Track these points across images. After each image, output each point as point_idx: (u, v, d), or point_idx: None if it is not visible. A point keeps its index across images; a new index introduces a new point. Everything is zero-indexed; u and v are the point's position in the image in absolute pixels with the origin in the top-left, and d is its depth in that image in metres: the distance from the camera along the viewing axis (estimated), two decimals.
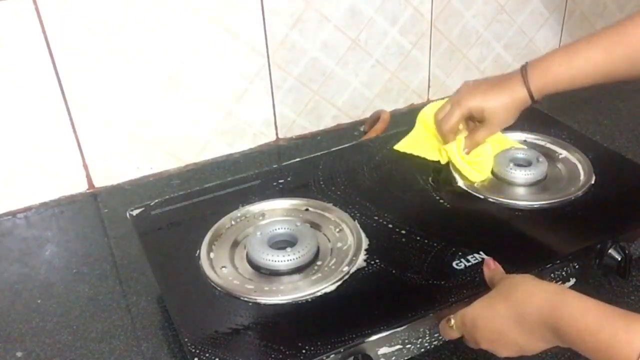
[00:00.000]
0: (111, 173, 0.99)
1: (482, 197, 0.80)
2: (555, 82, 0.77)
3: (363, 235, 0.73)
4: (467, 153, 0.84)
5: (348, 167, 0.88)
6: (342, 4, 1.04)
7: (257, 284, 0.68)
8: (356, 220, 0.76)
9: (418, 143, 0.91)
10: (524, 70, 0.78)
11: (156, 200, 0.82)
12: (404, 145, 0.91)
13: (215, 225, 0.76)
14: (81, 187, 0.98)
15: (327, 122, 1.14)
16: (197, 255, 0.72)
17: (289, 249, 0.70)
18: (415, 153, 0.90)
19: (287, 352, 0.59)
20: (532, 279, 0.58)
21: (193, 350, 0.59)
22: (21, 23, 0.84)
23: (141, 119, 0.98)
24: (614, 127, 1.10)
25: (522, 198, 0.80)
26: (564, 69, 0.76)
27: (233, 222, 0.78)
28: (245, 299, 0.65)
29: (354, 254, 0.71)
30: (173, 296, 0.68)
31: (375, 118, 1.10)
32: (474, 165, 0.83)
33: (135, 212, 0.80)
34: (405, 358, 0.64)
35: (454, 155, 0.84)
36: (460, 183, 0.83)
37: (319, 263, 0.71)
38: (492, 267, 0.64)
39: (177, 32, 0.94)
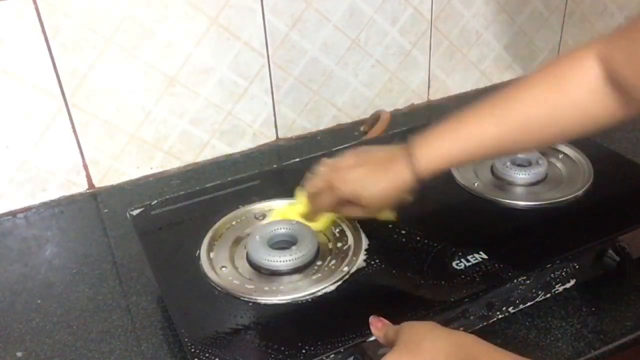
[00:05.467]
0: (111, 173, 0.99)
1: (482, 197, 0.80)
2: (444, 159, 0.67)
3: (363, 235, 0.73)
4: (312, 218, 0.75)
5: None
6: (342, 4, 1.04)
7: (257, 284, 0.68)
8: (356, 220, 0.76)
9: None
10: (409, 149, 0.68)
11: (156, 200, 0.82)
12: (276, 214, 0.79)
13: (215, 225, 0.76)
14: (81, 187, 0.98)
15: (327, 122, 1.14)
16: (197, 255, 0.72)
17: (289, 249, 0.70)
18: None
19: (287, 352, 0.59)
20: (436, 327, 0.55)
21: (193, 350, 0.59)
22: (21, 23, 0.84)
23: (141, 119, 0.98)
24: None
25: (522, 198, 0.80)
26: (453, 145, 0.66)
27: (233, 222, 0.78)
28: (245, 299, 0.65)
29: (354, 254, 0.71)
30: (173, 296, 0.68)
31: (375, 118, 1.10)
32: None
33: (135, 212, 0.80)
34: None
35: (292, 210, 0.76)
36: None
37: (319, 263, 0.71)
38: (379, 326, 0.59)
39: (177, 32, 0.94)
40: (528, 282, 0.67)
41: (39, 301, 0.77)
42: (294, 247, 0.70)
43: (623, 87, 0.59)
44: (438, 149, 0.67)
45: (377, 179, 0.68)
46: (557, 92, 0.63)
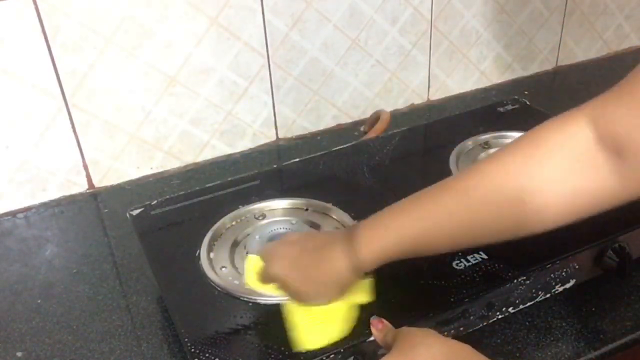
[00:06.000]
0: (111, 173, 0.99)
1: None
2: (393, 245, 0.56)
3: None
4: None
5: (348, 167, 0.88)
6: (342, 4, 1.04)
7: None
8: (356, 220, 0.75)
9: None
10: (352, 232, 0.57)
11: (156, 200, 0.82)
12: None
13: (215, 225, 0.76)
14: (81, 187, 0.98)
15: (327, 122, 1.14)
16: (197, 255, 0.72)
17: None
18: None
19: (287, 352, 0.59)
20: (432, 335, 0.54)
21: (193, 351, 0.59)
22: (21, 23, 0.84)
23: (141, 119, 0.98)
24: None
25: None
26: (404, 227, 0.55)
27: (233, 222, 0.78)
28: (245, 299, 0.65)
29: None
30: (173, 296, 0.68)
31: (375, 118, 1.10)
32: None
33: (135, 212, 0.80)
34: None
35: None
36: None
37: None
38: (380, 327, 0.58)
39: (177, 32, 0.94)
40: (528, 282, 0.67)
41: (39, 301, 0.77)
42: None
43: (624, 147, 0.49)
44: (385, 233, 0.56)
45: (303, 269, 0.58)
46: (531, 162, 0.53)
